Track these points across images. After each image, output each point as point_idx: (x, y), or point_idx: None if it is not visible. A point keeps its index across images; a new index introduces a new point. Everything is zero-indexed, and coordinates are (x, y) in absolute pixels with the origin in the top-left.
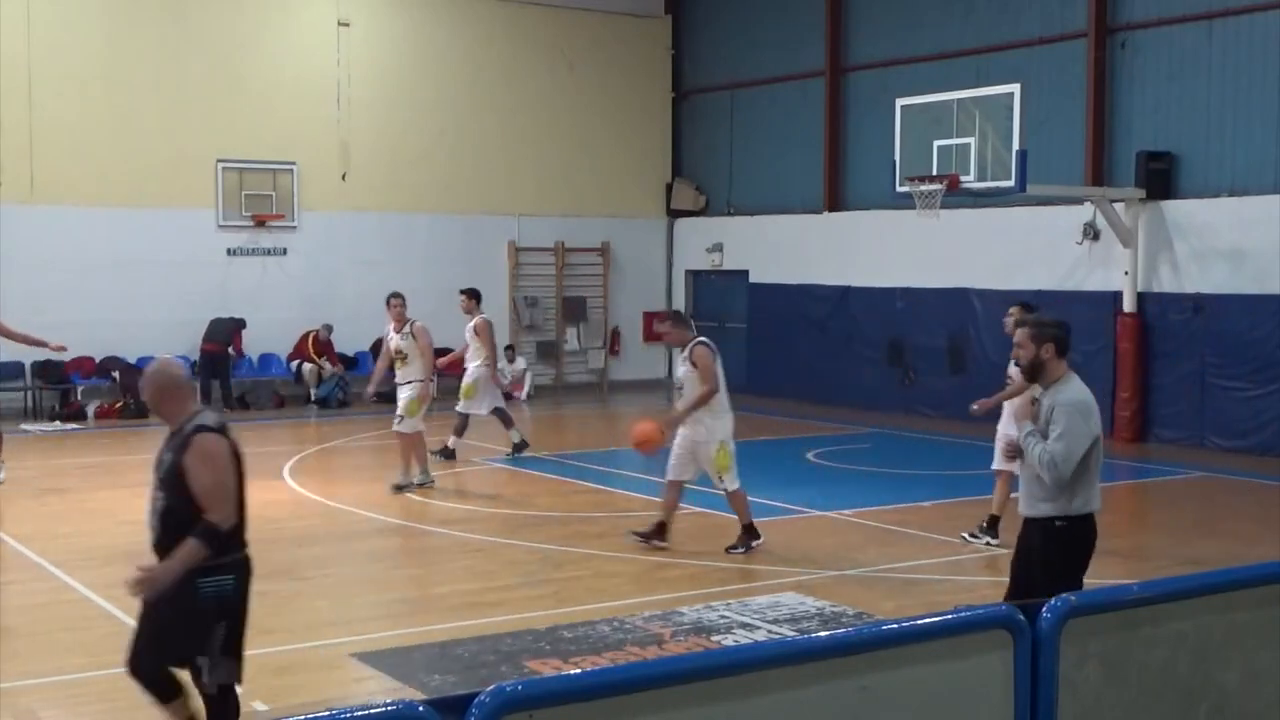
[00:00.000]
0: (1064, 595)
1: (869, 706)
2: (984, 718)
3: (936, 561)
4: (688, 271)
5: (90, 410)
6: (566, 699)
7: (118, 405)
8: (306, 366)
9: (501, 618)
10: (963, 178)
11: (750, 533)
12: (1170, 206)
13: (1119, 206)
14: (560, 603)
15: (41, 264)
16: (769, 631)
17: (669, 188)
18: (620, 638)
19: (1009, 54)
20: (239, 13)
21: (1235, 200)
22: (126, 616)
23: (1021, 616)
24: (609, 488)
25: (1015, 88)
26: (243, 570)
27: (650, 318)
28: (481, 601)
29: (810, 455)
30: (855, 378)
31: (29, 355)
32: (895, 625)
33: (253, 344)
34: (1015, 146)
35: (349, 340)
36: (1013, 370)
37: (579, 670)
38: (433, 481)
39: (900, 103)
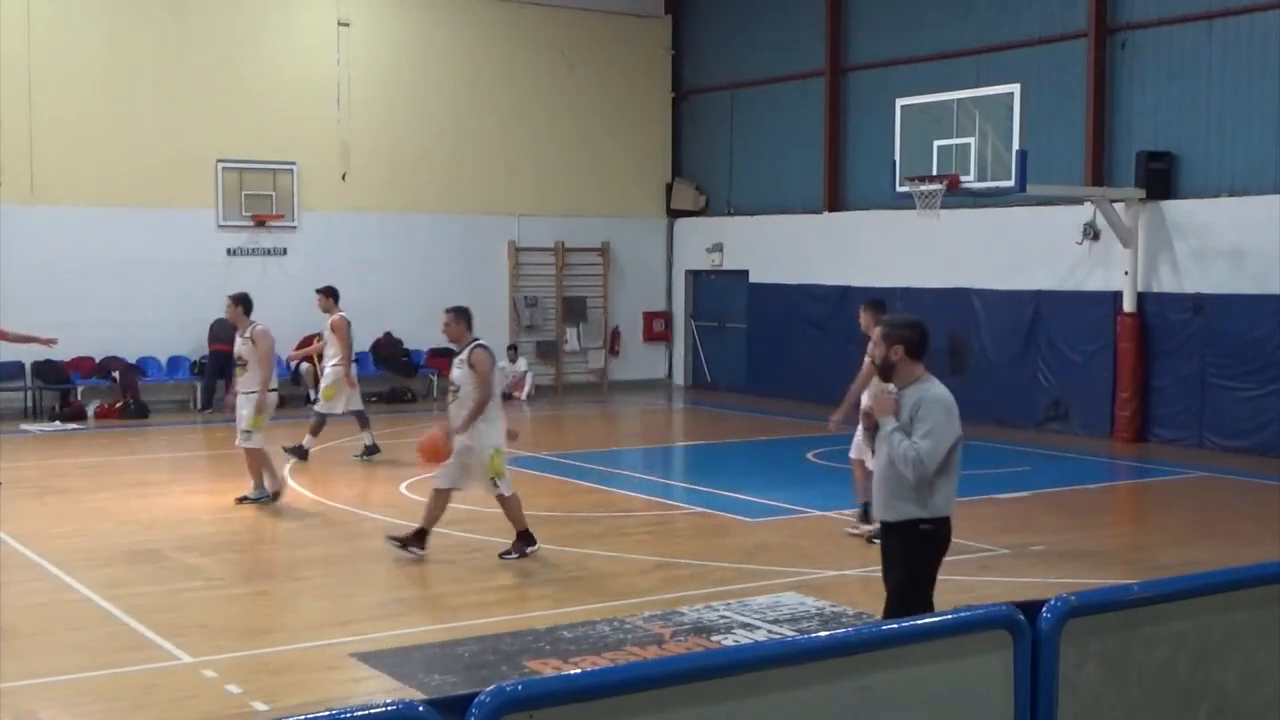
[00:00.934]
0: (1063, 595)
1: (869, 706)
2: (984, 718)
3: None
4: (688, 271)
5: (90, 410)
6: (566, 699)
7: (118, 405)
8: (304, 366)
9: (501, 618)
10: (963, 178)
11: (525, 539)
12: (1170, 206)
13: (1119, 206)
14: (560, 603)
15: (41, 264)
16: (769, 631)
17: (669, 188)
18: (620, 638)
19: (1009, 54)
20: (239, 13)
21: (1235, 200)
22: (127, 616)
23: (1021, 616)
24: (609, 488)
25: (1015, 88)
26: None
27: (650, 318)
28: (481, 601)
29: (810, 455)
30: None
31: (29, 355)
32: (895, 625)
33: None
34: (1015, 146)
35: (357, 339)
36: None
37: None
38: (273, 497)
39: (900, 103)
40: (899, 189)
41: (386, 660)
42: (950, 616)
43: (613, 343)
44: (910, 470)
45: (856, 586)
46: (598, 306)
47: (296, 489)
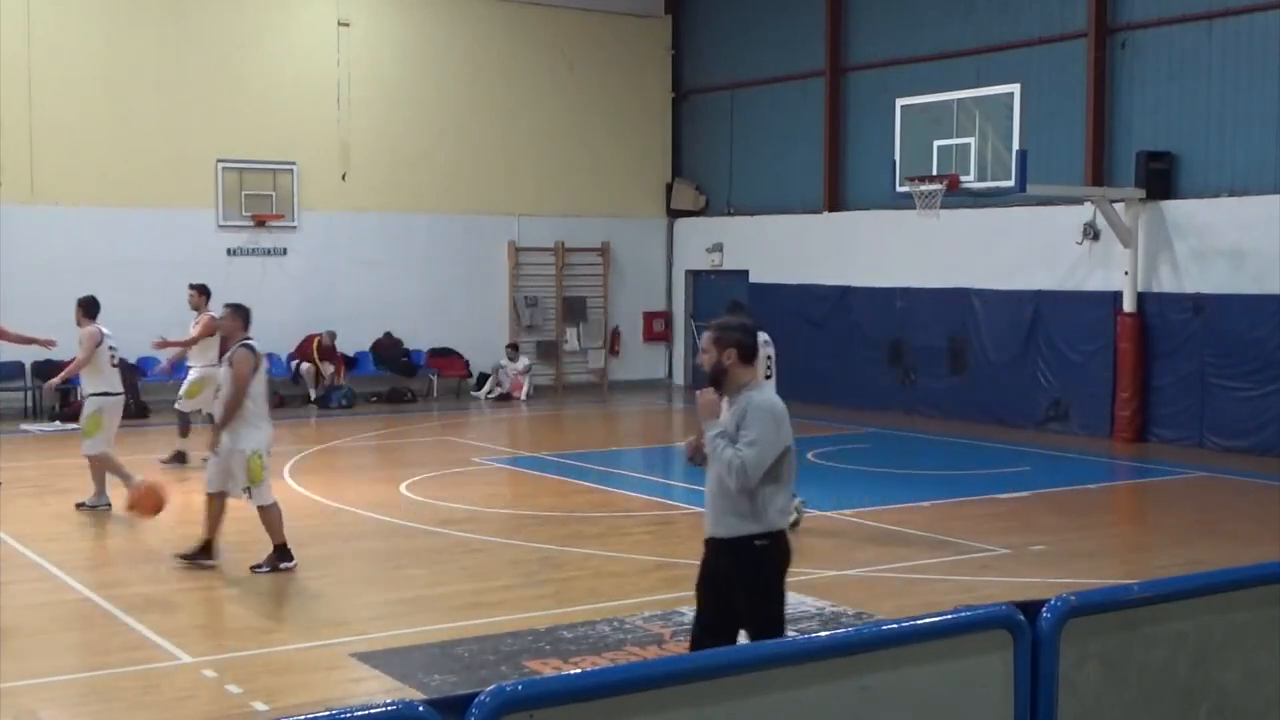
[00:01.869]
0: (1063, 595)
1: (869, 706)
2: (984, 718)
3: (936, 561)
4: (688, 271)
5: None
6: (566, 699)
7: None
8: (305, 366)
9: (501, 618)
10: (963, 178)
11: (282, 553)
12: (1170, 206)
13: (1119, 206)
14: (560, 603)
15: (41, 264)
16: None
17: (669, 188)
18: (620, 638)
19: (1009, 54)
20: (239, 13)
21: (1235, 200)
22: (126, 616)
23: (1021, 616)
24: (609, 488)
25: (1015, 88)
26: None
27: (650, 318)
28: (481, 602)
29: (810, 455)
30: (855, 378)
31: (29, 355)
32: (895, 625)
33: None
34: (1015, 146)
35: (348, 340)
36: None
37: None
38: (107, 505)
39: (900, 103)
40: (899, 189)
41: (386, 660)
42: (950, 616)
43: (613, 343)
44: (733, 479)
45: (856, 586)
46: (598, 306)
47: (297, 489)
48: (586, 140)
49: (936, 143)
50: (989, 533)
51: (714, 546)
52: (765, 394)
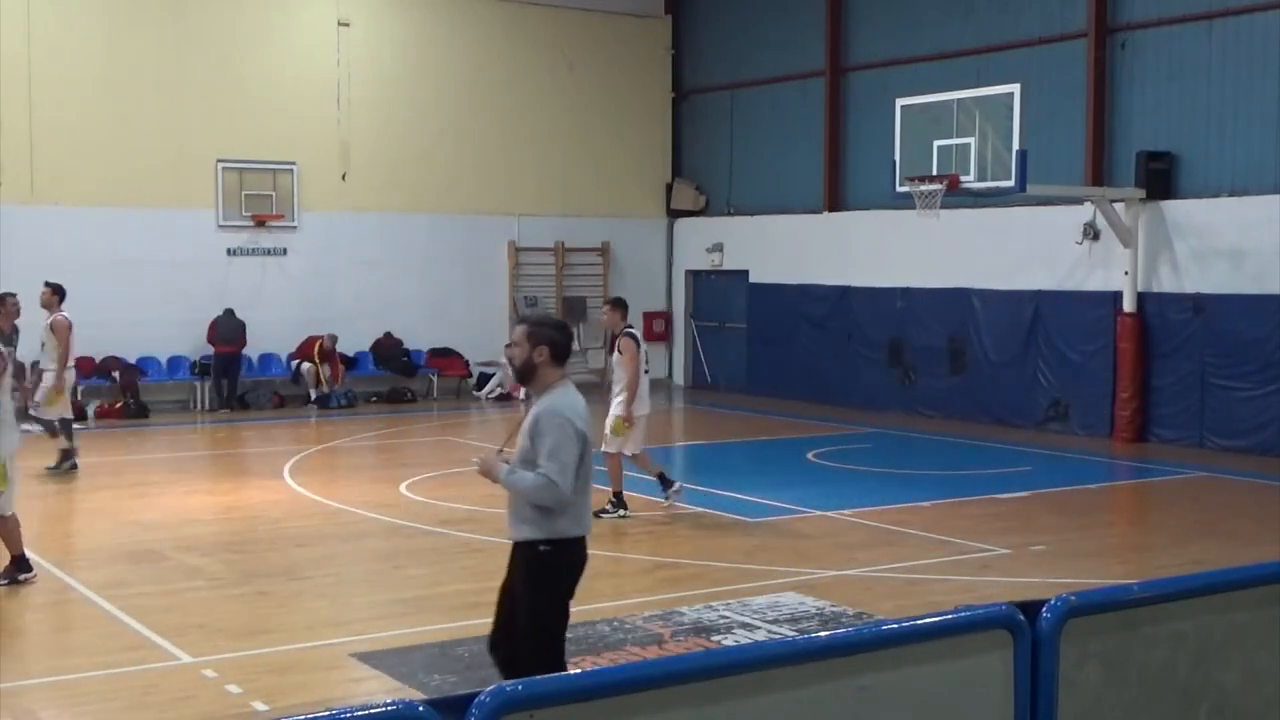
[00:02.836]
0: (1063, 595)
1: (869, 706)
2: (984, 718)
3: (936, 561)
4: (688, 271)
5: (90, 410)
6: (566, 699)
7: (118, 405)
8: (305, 366)
9: None
10: (963, 178)
11: (20, 565)
12: (1170, 206)
13: (1119, 206)
14: None
15: (41, 264)
16: (769, 631)
17: (669, 188)
18: (620, 638)
19: (1009, 54)
20: (239, 13)
21: (1235, 200)
22: (126, 616)
23: (1021, 616)
24: (608, 488)
25: (1015, 88)
26: None
27: (650, 318)
28: (482, 602)
29: (810, 455)
30: (855, 378)
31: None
32: (895, 625)
33: (252, 344)
34: (1015, 146)
35: (349, 341)
36: (614, 358)
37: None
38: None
39: (900, 103)
40: (899, 189)
41: (386, 660)
42: (950, 616)
43: (612, 343)
44: (550, 499)
45: (856, 586)
46: (598, 306)
47: (297, 489)
48: (586, 140)
49: (936, 143)
50: (989, 533)
51: (512, 549)
52: (561, 398)
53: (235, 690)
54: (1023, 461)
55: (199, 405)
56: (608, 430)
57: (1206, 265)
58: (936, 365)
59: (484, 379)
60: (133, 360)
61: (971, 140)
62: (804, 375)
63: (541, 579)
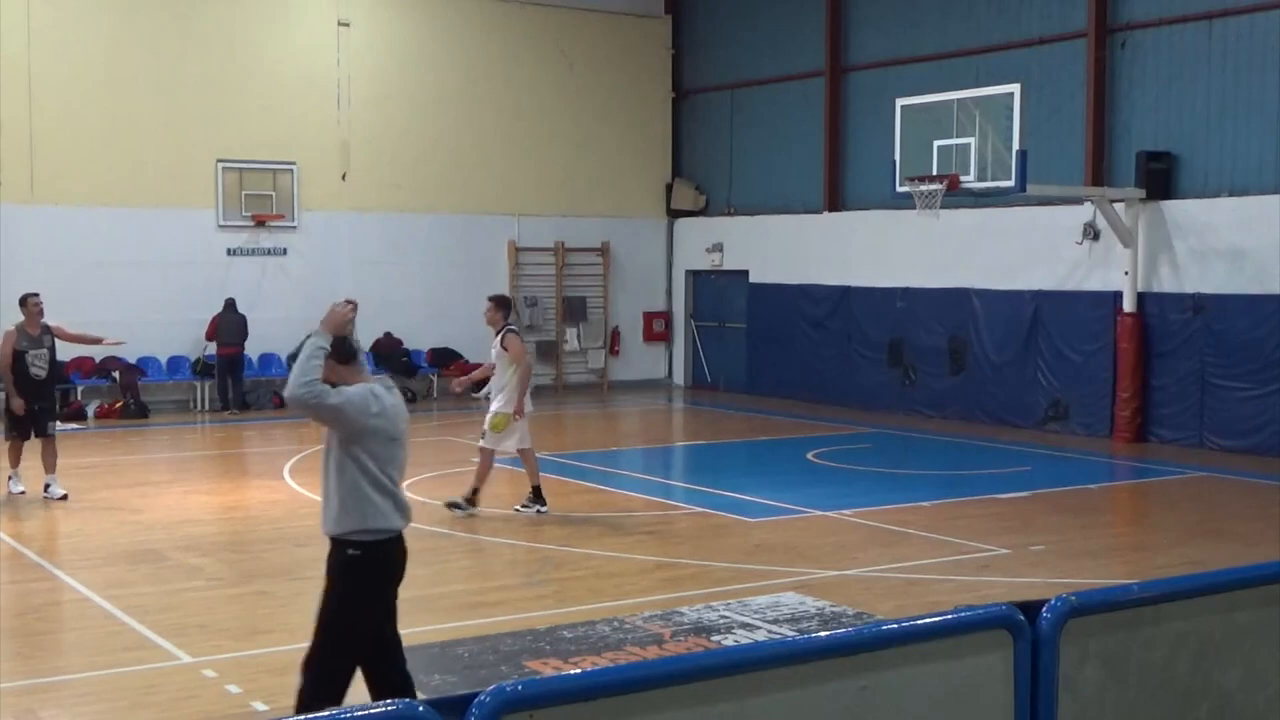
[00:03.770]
0: (1063, 595)
1: (869, 706)
2: (984, 718)
3: (936, 561)
4: (688, 271)
5: (90, 410)
6: (566, 699)
7: (118, 405)
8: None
9: (501, 618)
10: (963, 178)
11: None
12: (1170, 206)
13: (1119, 206)
14: (560, 603)
15: (41, 264)
16: (769, 631)
17: (669, 188)
18: (620, 638)
19: (1009, 54)
20: (239, 13)
21: (1235, 200)
22: (126, 616)
23: (1021, 616)
24: (609, 488)
25: (1015, 88)
26: None
27: (650, 318)
28: (481, 602)
29: (810, 455)
30: (855, 378)
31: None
32: (895, 625)
33: (252, 343)
34: (1015, 146)
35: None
36: (494, 353)
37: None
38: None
39: (900, 103)
40: (899, 189)
41: None
42: (950, 616)
43: (613, 343)
44: (297, 373)
45: (856, 586)
46: (598, 306)
47: (297, 489)
48: (586, 140)
49: (936, 143)
50: (989, 533)
51: (330, 545)
52: (353, 388)
53: (235, 690)
54: (1023, 461)
55: (199, 405)
56: (486, 426)
57: (1206, 265)
58: (936, 365)
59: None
60: (133, 360)
61: (971, 140)
62: (804, 375)
63: (343, 578)
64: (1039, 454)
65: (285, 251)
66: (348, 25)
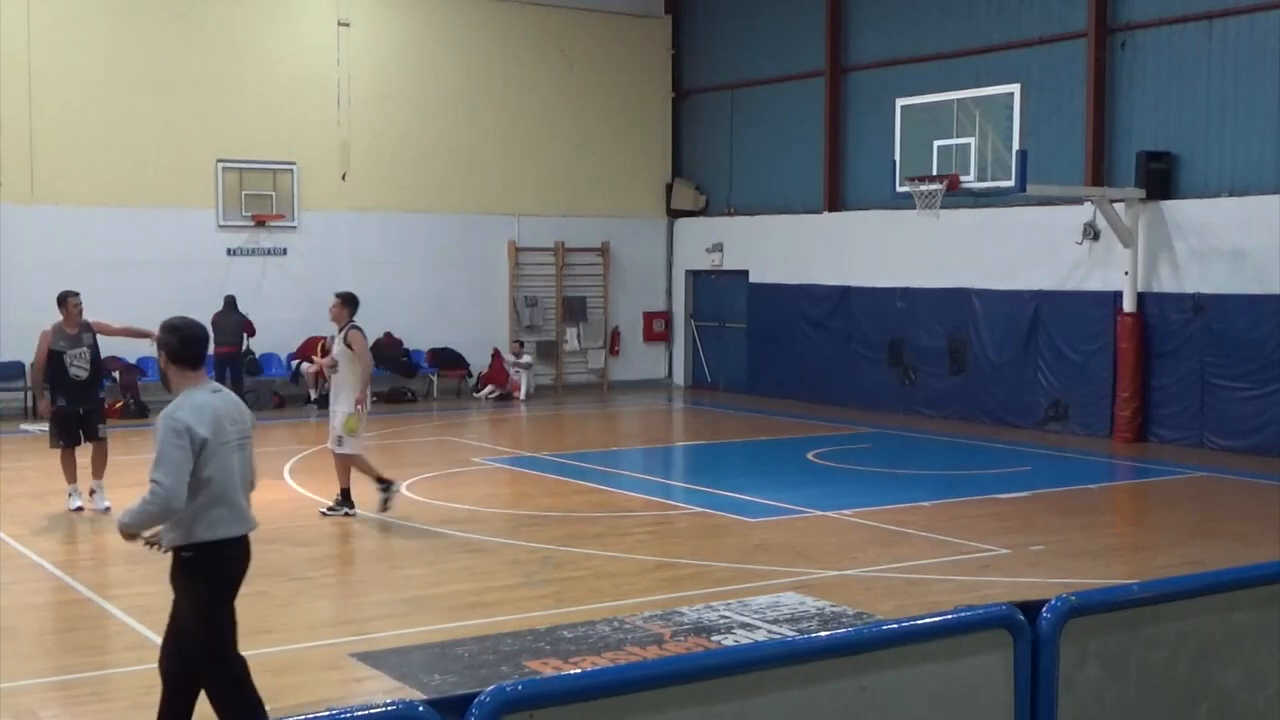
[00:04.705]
0: (1063, 595)
1: (869, 706)
2: (984, 716)
3: (936, 561)
4: (688, 271)
5: None
6: (567, 699)
7: (118, 405)
8: (305, 366)
9: (501, 618)
10: (963, 178)
11: None
12: (1170, 206)
13: (1119, 206)
14: (560, 603)
15: (42, 264)
16: (769, 631)
17: (669, 188)
18: (620, 638)
19: (1009, 54)
20: (239, 13)
21: (1235, 200)
22: (127, 616)
23: (1021, 616)
24: (609, 487)
25: (1015, 88)
26: None
27: (650, 318)
28: (481, 601)
29: (810, 455)
30: (855, 378)
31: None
32: (895, 625)
33: (254, 343)
34: (1015, 146)
35: None
36: (336, 349)
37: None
38: None
39: (900, 103)
40: (899, 189)
41: (386, 660)
42: (950, 616)
43: (613, 343)
44: (164, 513)
45: (856, 586)
46: (598, 306)
47: (297, 489)
48: (586, 140)
49: (936, 143)
50: (989, 533)
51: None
52: (176, 402)
53: None
54: (1023, 461)
55: None
56: (340, 430)
57: (1206, 265)
58: (936, 365)
59: (482, 379)
60: (132, 360)
61: (971, 140)
62: (804, 375)
63: (187, 584)
64: (1039, 454)
65: (285, 251)
66: (348, 25)
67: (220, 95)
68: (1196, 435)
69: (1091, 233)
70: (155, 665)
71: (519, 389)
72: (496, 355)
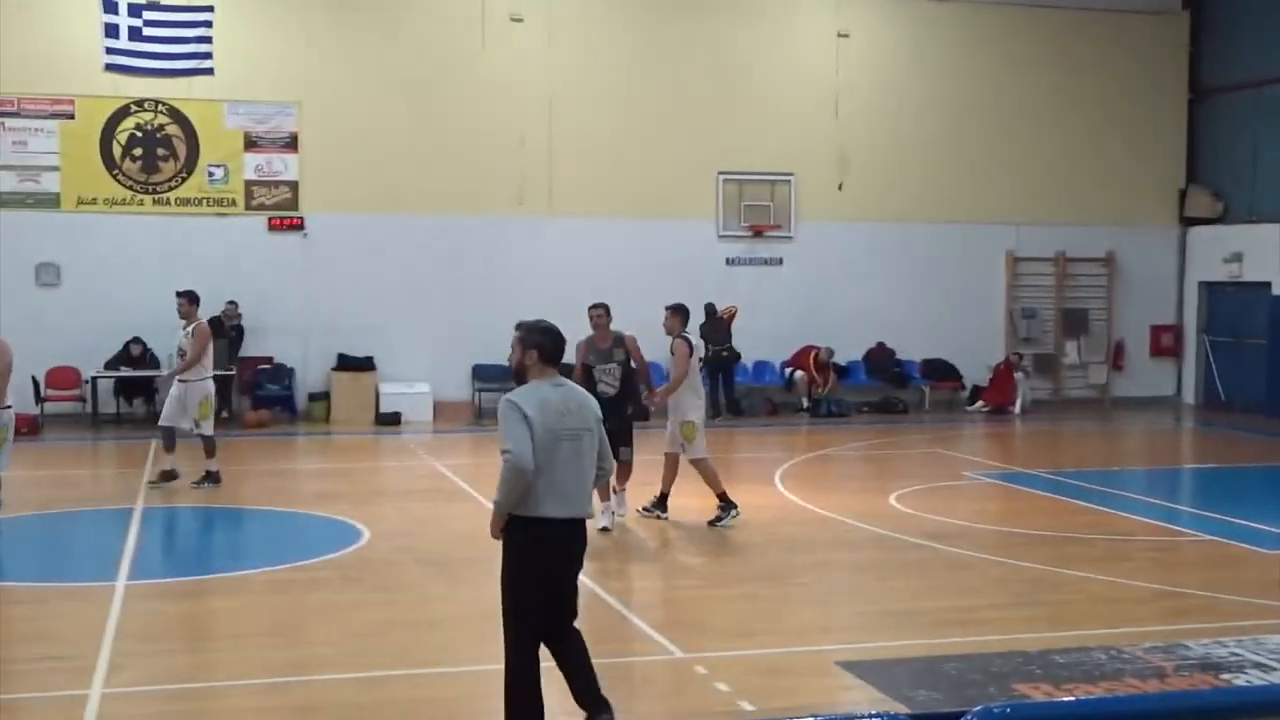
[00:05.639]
0: None
1: None
2: None
3: None
4: (1201, 283)
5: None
6: None
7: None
8: (799, 374)
9: (988, 636)
10: None
11: None
12: None
13: None
14: (1053, 625)
15: (556, 274)
16: None
17: (1182, 194)
18: (1118, 667)
19: None
20: (744, 31)
21: None
22: (627, 611)
23: None
24: (1109, 509)
25: None
26: None
27: (1158, 331)
28: (968, 619)
29: None
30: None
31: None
32: None
33: (746, 352)
34: None
35: (840, 350)
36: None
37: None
38: None
39: None
40: None
41: (871, 671)
42: None
43: (1116, 357)
44: (518, 475)
45: None
46: (1100, 319)
47: (787, 495)
48: (1091, 146)
49: None
50: None
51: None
52: (517, 389)
53: (724, 688)
54: None
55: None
56: (681, 438)
57: None
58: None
59: (976, 392)
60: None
61: None
62: None
63: (509, 551)
64: None
65: (781, 261)
66: (847, 36)
67: (722, 110)
68: None
69: None
70: (659, 658)
71: (1013, 403)
72: (1001, 370)
